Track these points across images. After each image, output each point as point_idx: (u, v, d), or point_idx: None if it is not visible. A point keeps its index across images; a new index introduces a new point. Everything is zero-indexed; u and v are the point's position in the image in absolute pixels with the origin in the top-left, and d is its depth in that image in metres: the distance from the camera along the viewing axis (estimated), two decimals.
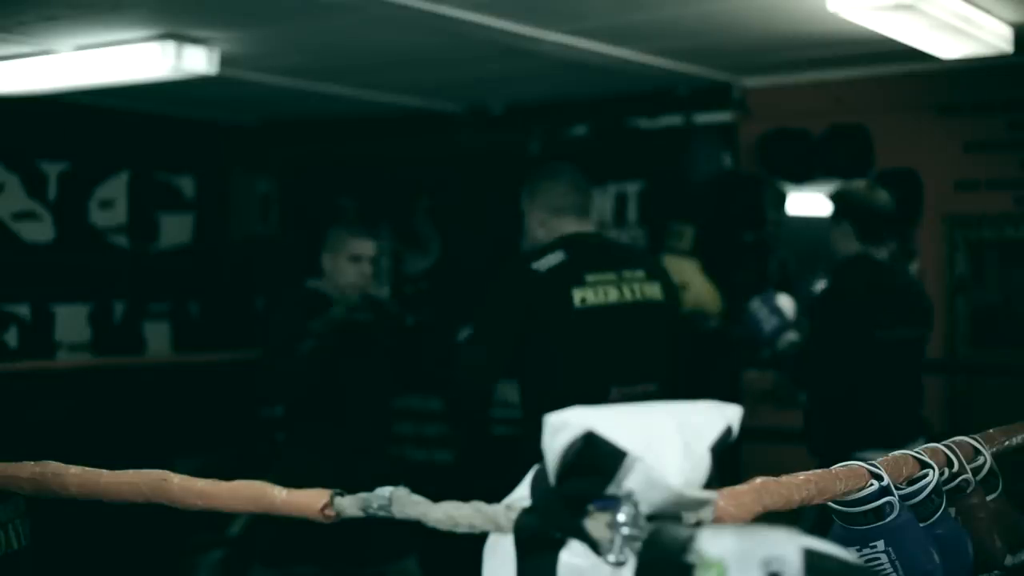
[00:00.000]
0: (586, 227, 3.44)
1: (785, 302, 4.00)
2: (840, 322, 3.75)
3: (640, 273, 3.36)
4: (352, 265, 4.09)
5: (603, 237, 3.55)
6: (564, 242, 3.34)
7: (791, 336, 3.93)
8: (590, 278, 3.26)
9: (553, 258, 3.27)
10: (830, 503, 1.47)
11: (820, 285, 4.22)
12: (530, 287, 3.25)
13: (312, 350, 3.90)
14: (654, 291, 3.36)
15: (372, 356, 4.14)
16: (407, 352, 4.36)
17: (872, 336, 3.72)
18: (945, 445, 1.65)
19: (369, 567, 4.13)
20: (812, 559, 0.96)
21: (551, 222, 3.40)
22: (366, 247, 4.12)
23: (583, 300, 3.23)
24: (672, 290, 3.51)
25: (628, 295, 3.31)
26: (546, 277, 3.24)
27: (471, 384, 3.48)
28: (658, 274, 3.44)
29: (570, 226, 3.39)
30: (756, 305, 4.10)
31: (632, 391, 3.23)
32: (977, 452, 1.69)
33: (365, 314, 4.06)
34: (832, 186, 4.44)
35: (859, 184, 3.99)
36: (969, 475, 1.65)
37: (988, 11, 3.93)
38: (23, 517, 2.61)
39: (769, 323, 4.02)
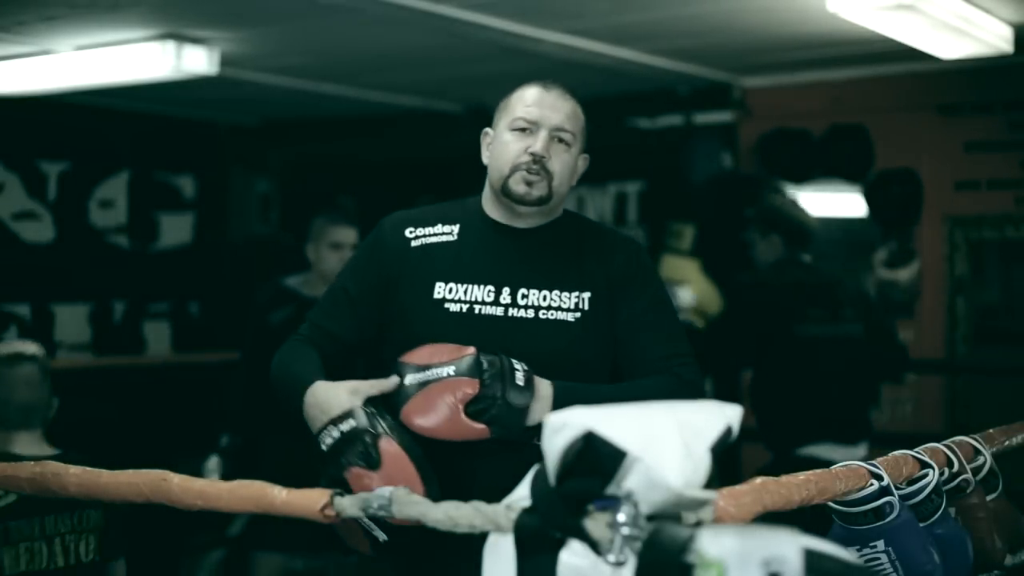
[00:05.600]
0: None
1: None
2: (757, 315, 3.84)
3: None
4: (333, 253, 4.11)
5: None
6: None
7: None
8: None
9: None
10: (830, 503, 1.47)
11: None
12: None
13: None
14: None
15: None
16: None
17: (790, 331, 3.78)
18: (945, 445, 1.65)
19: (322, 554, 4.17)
20: (812, 559, 0.96)
21: None
22: (346, 235, 4.14)
23: None
24: None
25: None
26: None
27: None
28: None
29: None
30: None
31: None
32: (977, 452, 1.69)
33: None
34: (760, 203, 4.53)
35: (783, 199, 4.39)
36: (969, 475, 1.65)
37: (988, 11, 3.93)
38: (93, 531, 2.61)
39: None
